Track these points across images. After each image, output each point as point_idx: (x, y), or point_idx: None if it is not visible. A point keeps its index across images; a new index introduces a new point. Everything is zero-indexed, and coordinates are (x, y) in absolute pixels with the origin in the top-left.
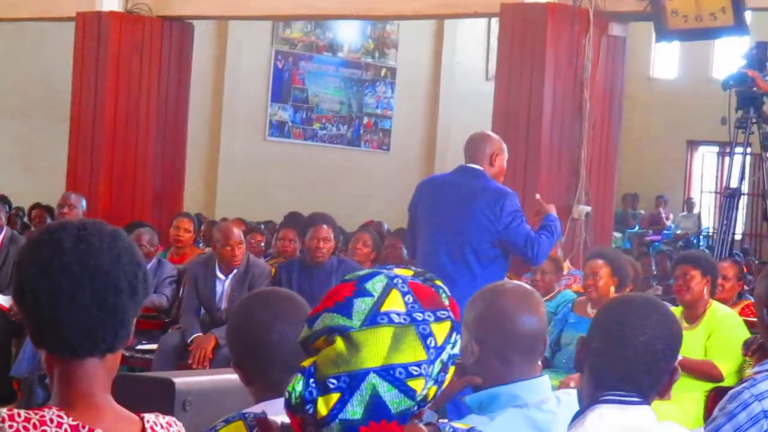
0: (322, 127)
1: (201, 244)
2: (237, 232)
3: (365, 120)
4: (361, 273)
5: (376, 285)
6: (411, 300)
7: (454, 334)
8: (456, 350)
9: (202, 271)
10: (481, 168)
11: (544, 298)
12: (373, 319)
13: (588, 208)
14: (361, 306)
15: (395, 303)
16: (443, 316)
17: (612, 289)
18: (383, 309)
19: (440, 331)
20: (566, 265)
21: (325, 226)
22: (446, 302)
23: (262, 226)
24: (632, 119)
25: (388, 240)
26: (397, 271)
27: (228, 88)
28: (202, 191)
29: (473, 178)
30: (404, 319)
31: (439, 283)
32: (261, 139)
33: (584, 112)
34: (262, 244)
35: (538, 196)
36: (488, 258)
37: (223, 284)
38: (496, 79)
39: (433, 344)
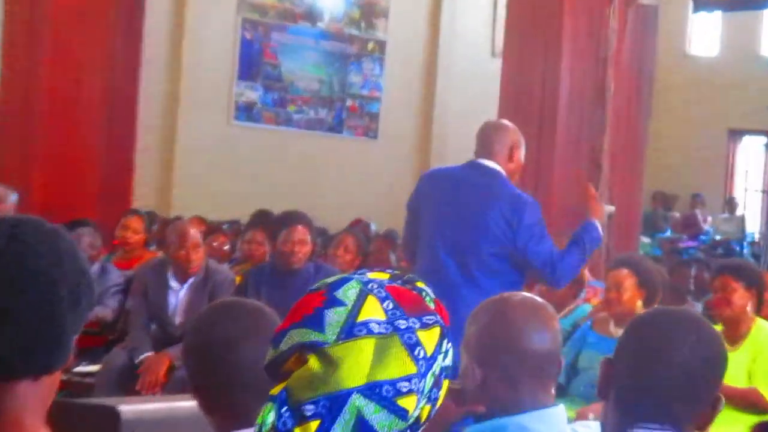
0: (298, 111)
1: (153, 247)
2: (195, 233)
3: (349, 102)
4: (330, 280)
5: (348, 292)
6: (391, 306)
7: (445, 342)
8: (448, 361)
9: (154, 278)
10: (497, 166)
11: (558, 314)
12: (350, 331)
13: (611, 208)
14: (334, 317)
15: (373, 311)
16: (430, 322)
17: (639, 303)
18: (360, 319)
19: (429, 339)
20: (585, 274)
21: (300, 227)
22: (432, 306)
23: (226, 226)
24: (664, 104)
25: (375, 243)
26: (372, 275)
27: (187, 64)
28: (155, 185)
29: (489, 179)
30: (385, 328)
31: (421, 284)
32: (225, 123)
33: (607, 95)
34: (226, 247)
35: (591, 188)
36: (498, 273)
37: (178, 294)
38: (503, 56)
39: (422, 355)
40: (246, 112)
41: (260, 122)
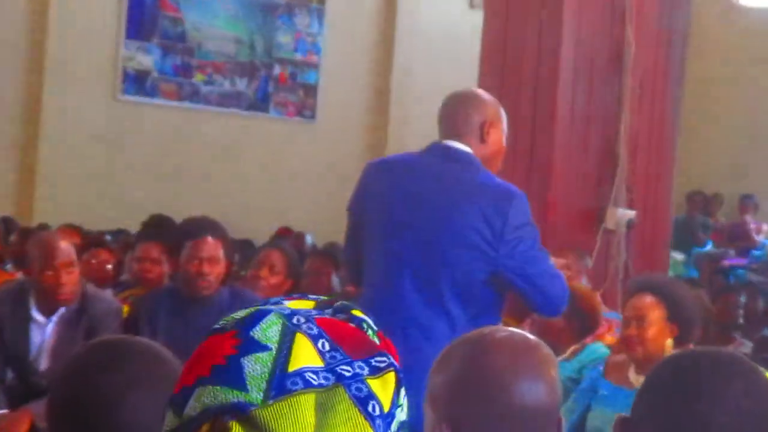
0: (207, 81)
1: (8, 266)
2: (67, 247)
3: (277, 70)
4: (240, 315)
5: (268, 332)
6: (328, 347)
7: (402, 392)
8: (405, 415)
9: (10, 309)
10: (466, 148)
11: (558, 356)
12: (281, 385)
13: (631, 214)
14: (256, 368)
15: (306, 355)
16: (382, 365)
17: (668, 342)
18: (292, 367)
19: (383, 388)
20: (597, 301)
21: (210, 239)
22: (377, 341)
23: (109, 239)
24: (703, 72)
25: (311, 261)
26: (292, 304)
27: (56, 20)
28: (13, 182)
29: (460, 167)
30: (325, 377)
31: (358, 313)
32: (109, 99)
33: (626, 59)
34: (109, 266)
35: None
36: (475, 298)
37: (44, 330)
38: (485, 6)
39: (377, 411)
40: (137, 83)
41: (157, 97)
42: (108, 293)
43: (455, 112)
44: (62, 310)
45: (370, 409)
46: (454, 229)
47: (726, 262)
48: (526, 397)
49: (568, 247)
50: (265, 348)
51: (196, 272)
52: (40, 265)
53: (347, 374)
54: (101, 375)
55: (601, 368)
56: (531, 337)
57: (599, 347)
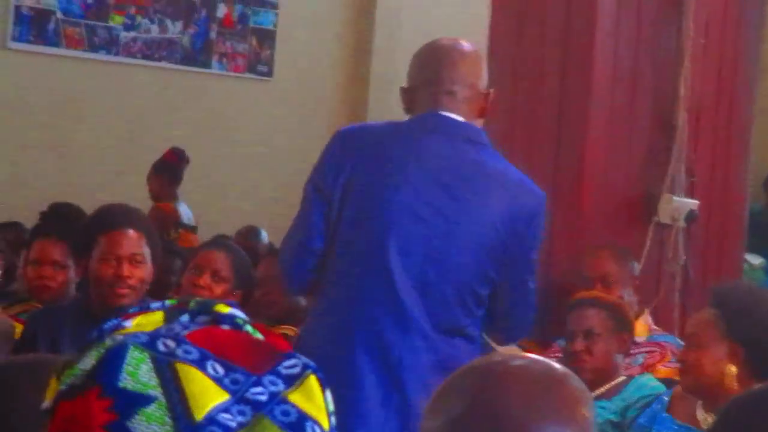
0: (128, 26)
1: None
2: None
3: (222, 11)
4: (85, 366)
5: (139, 375)
6: (221, 370)
7: (328, 394)
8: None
9: None
10: (470, 122)
11: (595, 391)
12: None
13: (692, 204)
14: (153, 429)
15: (204, 391)
16: (295, 371)
17: (731, 369)
18: (198, 414)
19: (309, 399)
20: (644, 322)
21: (131, 231)
22: (263, 338)
23: None
24: None
25: (266, 264)
26: (138, 325)
27: None
28: None
29: (468, 145)
30: (240, 412)
31: (222, 308)
32: None
33: (685, 3)
34: None
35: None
36: (473, 318)
37: None
38: None
39: None
40: (33, 28)
41: (60, 46)
42: None
43: (441, 67)
44: None
45: None
46: (472, 230)
47: None
48: None
49: (607, 246)
50: (148, 399)
51: (113, 278)
52: None
53: (263, 398)
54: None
55: (663, 402)
56: (557, 366)
57: (649, 380)
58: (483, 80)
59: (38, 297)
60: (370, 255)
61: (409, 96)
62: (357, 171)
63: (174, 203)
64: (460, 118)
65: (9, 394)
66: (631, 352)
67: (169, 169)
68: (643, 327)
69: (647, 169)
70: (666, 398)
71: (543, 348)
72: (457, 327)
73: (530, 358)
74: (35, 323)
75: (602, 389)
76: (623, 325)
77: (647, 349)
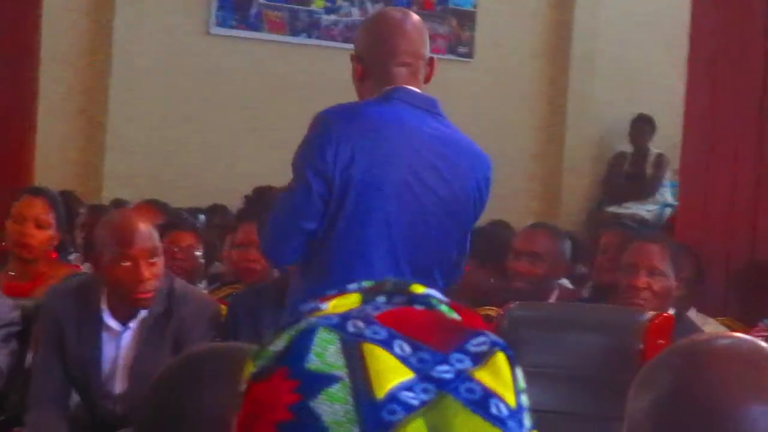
0: (329, 9)
1: (73, 256)
2: (147, 229)
3: None
4: (276, 348)
5: (327, 356)
6: (408, 349)
7: (519, 372)
8: (526, 400)
9: (74, 314)
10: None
11: None
12: (376, 419)
13: None
14: (336, 409)
15: (388, 369)
16: (483, 348)
17: None
18: (379, 393)
19: (496, 378)
20: None
21: None
22: (458, 317)
23: (201, 218)
24: None
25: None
26: (333, 306)
27: None
28: (76, 149)
29: (432, 118)
30: (424, 390)
31: (419, 289)
32: (202, 34)
33: None
34: (198, 252)
35: None
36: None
37: (120, 341)
38: None
39: (503, 411)
40: (237, 12)
41: (262, 30)
42: (200, 291)
43: (409, 33)
44: (143, 313)
45: (493, 410)
46: (457, 207)
47: None
48: (759, 424)
49: None
50: (333, 379)
51: None
52: (113, 253)
53: (449, 376)
54: (199, 394)
55: None
56: (764, 345)
57: None
58: (428, 48)
59: (244, 279)
60: (376, 236)
61: (363, 67)
62: (357, 153)
63: None
64: (418, 90)
65: (199, 382)
66: None
67: None
68: None
69: None
70: None
71: (748, 327)
72: None
73: (736, 336)
74: (237, 305)
75: None
76: None
77: None
